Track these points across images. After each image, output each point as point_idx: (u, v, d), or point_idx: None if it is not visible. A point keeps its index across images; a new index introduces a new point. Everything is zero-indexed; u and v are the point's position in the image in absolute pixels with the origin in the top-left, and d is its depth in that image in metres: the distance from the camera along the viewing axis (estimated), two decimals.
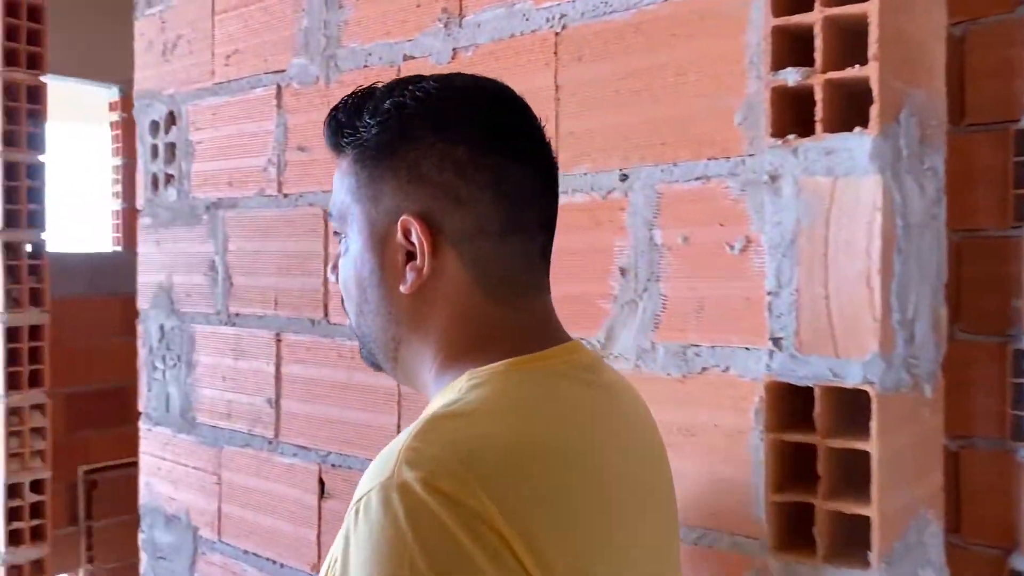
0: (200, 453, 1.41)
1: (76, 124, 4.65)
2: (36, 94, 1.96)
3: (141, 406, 1.53)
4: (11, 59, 1.93)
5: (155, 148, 1.49)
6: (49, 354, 2.00)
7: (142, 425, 1.53)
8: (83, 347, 2.53)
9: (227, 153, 1.36)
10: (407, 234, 0.66)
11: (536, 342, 0.69)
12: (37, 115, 1.96)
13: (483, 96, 0.71)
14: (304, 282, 1.23)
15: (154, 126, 1.50)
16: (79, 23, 2.49)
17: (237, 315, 1.35)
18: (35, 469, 1.95)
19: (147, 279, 1.51)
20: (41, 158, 1.99)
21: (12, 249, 1.94)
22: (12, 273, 1.93)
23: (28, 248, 1.97)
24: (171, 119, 1.46)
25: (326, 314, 1.20)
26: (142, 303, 1.52)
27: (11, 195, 1.93)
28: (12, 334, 1.92)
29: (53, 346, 2.01)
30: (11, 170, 1.93)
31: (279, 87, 1.27)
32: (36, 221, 1.97)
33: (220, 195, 1.37)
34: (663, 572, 0.71)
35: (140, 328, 1.53)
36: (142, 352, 1.53)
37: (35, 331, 1.96)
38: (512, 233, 0.68)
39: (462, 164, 0.66)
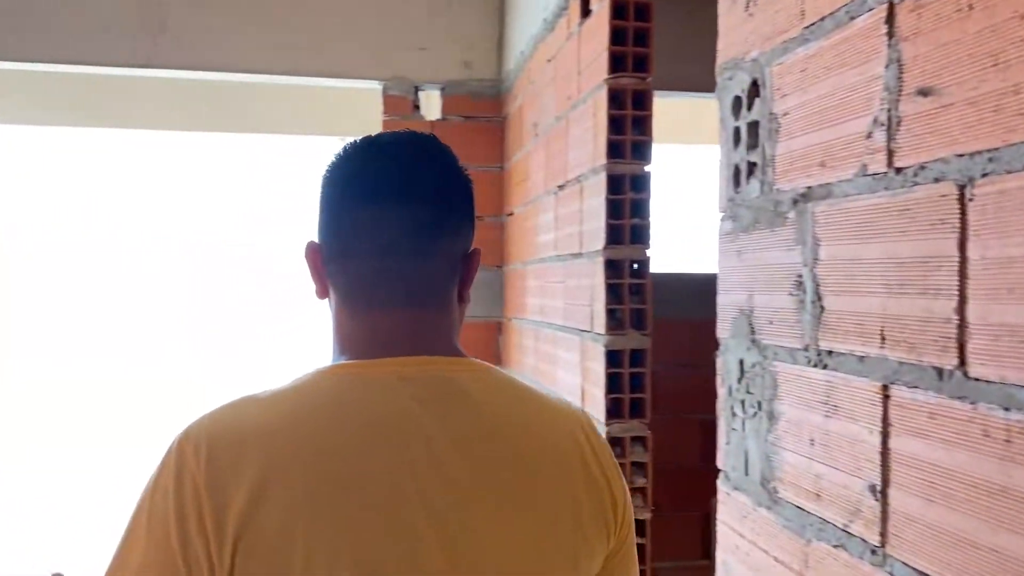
0: (782, 540, 1.04)
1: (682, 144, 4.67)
2: (642, 99, 1.82)
3: (719, 461, 1.23)
4: (617, 64, 1.82)
5: (736, 132, 1.18)
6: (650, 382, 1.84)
7: (720, 486, 1.22)
8: (677, 376, 2.39)
9: (818, 121, 0.97)
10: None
11: (366, 352, 0.89)
12: (643, 122, 1.81)
13: (354, 151, 0.94)
14: (925, 306, 0.78)
15: (736, 104, 1.19)
16: (674, 29, 2.32)
17: (829, 353, 0.94)
18: (637, 508, 1.77)
19: (727, 300, 1.21)
20: (647, 168, 1.83)
21: (615, 267, 1.82)
22: (614, 292, 1.81)
23: (632, 266, 1.82)
24: (754, 90, 1.13)
25: (962, 361, 0.73)
26: (721, 331, 1.22)
27: (615, 209, 1.82)
28: (613, 358, 1.79)
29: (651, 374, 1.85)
30: (615, 183, 1.82)
31: (891, 6, 0.84)
32: (640, 237, 1.82)
33: (809, 182, 0.99)
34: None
35: (719, 362, 1.23)
36: (721, 393, 1.22)
37: (636, 356, 1.80)
38: (350, 258, 0.91)
39: (320, 205, 0.94)
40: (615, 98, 1.87)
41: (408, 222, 0.90)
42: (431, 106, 3.24)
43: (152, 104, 3.95)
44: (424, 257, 0.91)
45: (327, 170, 0.94)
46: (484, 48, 3.26)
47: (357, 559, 0.79)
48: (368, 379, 0.86)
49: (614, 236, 1.87)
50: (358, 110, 3.66)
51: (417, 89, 3.23)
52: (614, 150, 1.87)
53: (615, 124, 1.87)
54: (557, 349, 2.32)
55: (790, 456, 1.03)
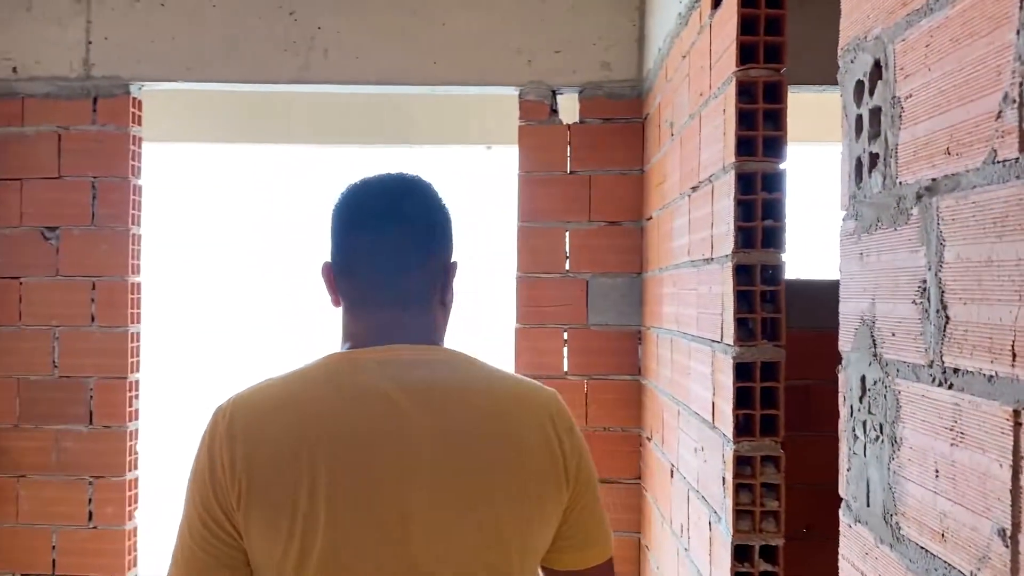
0: None
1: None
2: (775, 91, 1.70)
3: (841, 488, 1.10)
4: (747, 55, 1.71)
5: (859, 121, 1.06)
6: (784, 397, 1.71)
7: (841, 517, 1.10)
8: (807, 389, 2.21)
9: (943, 103, 0.85)
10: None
11: (360, 343, 1.21)
12: (776, 116, 1.69)
13: (353, 189, 1.26)
14: None
15: (858, 90, 1.06)
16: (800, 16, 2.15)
17: (955, 371, 0.82)
18: (767, 533, 1.66)
19: (848, 309, 1.08)
20: (781, 166, 1.71)
21: (746, 272, 1.71)
22: (745, 300, 1.69)
23: (764, 272, 1.70)
24: (876, 72, 1.01)
25: None
26: (843, 343, 1.10)
27: (746, 211, 1.70)
28: (743, 371, 1.68)
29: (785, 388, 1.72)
30: (746, 182, 1.70)
31: None
32: (773, 240, 1.69)
33: (934, 173, 0.86)
34: (444, 514, 1.12)
35: (840, 378, 1.10)
36: (842, 412, 1.10)
37: (768, 369, 1.68)
38: (354, 274, 1.24)
39: (331, 233, 1.25)
40: (745, 91, 1.75)
41: (396, 245, 1.22)
42: (569, 110, 3.20)
43: (301, 120, 4.14)
44: (409, 271, 1.23)
45: (335, 206, 1.26)
46: (623, 48, 3.18)
47: (331, 480, 1.11)
48: (356, 362, 1.18)
49: (745, 239, 1.75)
50: (495, 117, 3.68)
51: (555, 93, 3.19)
52: (744, 147, 1.75)
53: (745, 119, 1.75)
54: (690, 361, 2.21)
55: (913, 488, 0.90)
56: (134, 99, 3.31)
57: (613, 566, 1.34)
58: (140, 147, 3.38)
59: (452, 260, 1.29)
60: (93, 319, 3.24)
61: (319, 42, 3.24)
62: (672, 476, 2.45)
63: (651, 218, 2.96)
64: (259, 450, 1.12)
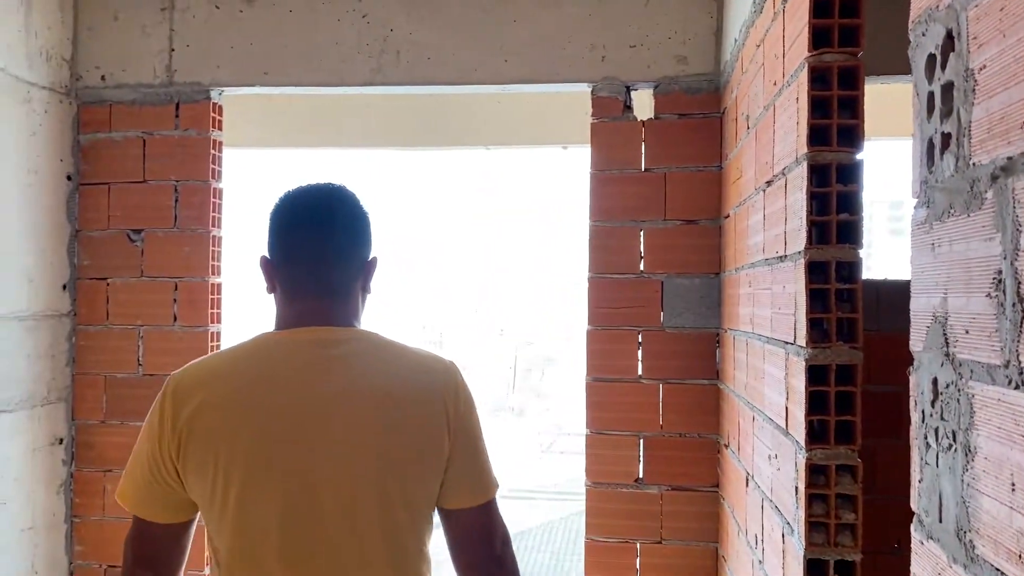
0: None
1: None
2: (850, 77, 1.61)
3: (912, 501, 1.01)
4: (820, 40, 1.62)
5: (930, 98, 0.97)
6: (861, 403, 1.61)
7: (913, 533, 1.01)
8: (896, 397, 2.06)
9: (1019, 71, 0.76)
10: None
11: (291, 325, 1.51)
12: (851, 104, 1.60)
13: (290, 195, 1.56)
14: None
15: (930, 65, 0.98)
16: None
17: None
18: (843, 548, 1.57)
19: (920, 305, 0.99)
20: (857, 156, 1.61)
21: (819, 270, 1.62)
22: (819, 299, 1.60)
23: (839, 270, 1.61)
24: (948, 44, 0.92)
25: None
26: (914, 343, 1.01)
27: (819, 204, 1.61)
28: (816, 374, 1.59)
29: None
30: (819, 173, 1.61)
31: None
32: (849, 236, 1.60)
33: (1009, 151, 0.78)
34: (345, 464, 1.42)
35: (911, 381, 1.01)
36: (914, 419, 1.01)
37: (844, 372, 1.59)
38: (289, 266, 1.53)
39: (268, 231, 1.56)
40: (819, 77, 1.65)
41: (323, 243, 1.52)
42: (643, 106, 3.12)
43: (374, 123, 4.17)
44: (333, 265, 1.53)
45: (274, 208, 1.55)
46: (700, 41, 3.08)
47: (250, 437, 1.42)
48: (284, 340, 1.50)
49: (818, 235, 1.66)
50: (565, 116, 3.62)
51: (629, 89, 3.12)
52: (818, 136, 1.66)
53: (818, 107, 1.66)
54: (765, 363, 2.11)
55: (988, 503, 0.81)
56: (214, 104, 3.39)
57: (495, 506, 1.57)
58: (220, 151, 3.46)
59: (371, 257, 1.58)
60: (175, 319, 3.33)
61: (391, 44, 3.25)
62: (747, 485, 2.35)
63: (728, 216, 2.86)
64: (194, 411, 1.44)
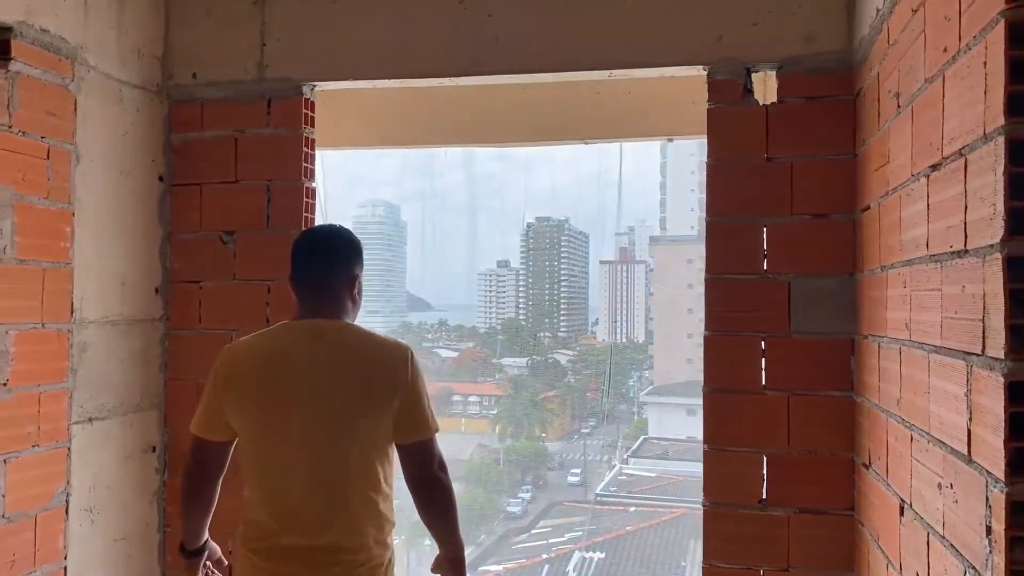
0: None
1: None
2: None
3: None
4: None
5: None
6: None
7: None
8: None
9: None
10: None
11: (297, 318, 2.35)
12: None
13: (304, 234, 2.52)
14: None
15: None
16: None
17: None
18: None
19: None
20: None
21: (1020, 266, 1.35)
22: (1020, 302, 1.33)
23: None
24: None
25: None
26: None
27: (1019, 187, 1.35)
28: (1017, 391, 1.32)
29: None
30: (1019, 150, 1.35)
31: None
32: None
33: None
34: (329, 427, 2.22)
35: None
36: None
37: None
38: (297, 281, 2.39)
39: (291, 258, 2.42)
40: (1019, 35, 1.38)
41: (320, 266, 2.37)
42: (765, 89, 2.84)
43: (468, 119, 3.98)
44: (327, 281, 2.36)
45: (295, 242, 2.44)
46: (830, 16, 2.79)
47: (260, 393, 2.27)
48: (292, 326, 2.34)
49: (1017, 224, 1.38)
50: (669, 106, 3.36)
51: (748, 71, 2.85)
52: (1016, 105, 1.38)
53: (1017, 70, 1.38)
54: (930, 376, 1.82)
55: None
56: (306, 100, 3.26)
57: (433, 442, 2.27)
58: (312, 148, 3.33)
59: (356, 273, 2.40)
60: (268, 322, 3.21)
61: (489, 30, 3.06)
62: (902, 514, 2.06)
63: (868, 208, 2.56)
64: (231, 374, 2.31)
